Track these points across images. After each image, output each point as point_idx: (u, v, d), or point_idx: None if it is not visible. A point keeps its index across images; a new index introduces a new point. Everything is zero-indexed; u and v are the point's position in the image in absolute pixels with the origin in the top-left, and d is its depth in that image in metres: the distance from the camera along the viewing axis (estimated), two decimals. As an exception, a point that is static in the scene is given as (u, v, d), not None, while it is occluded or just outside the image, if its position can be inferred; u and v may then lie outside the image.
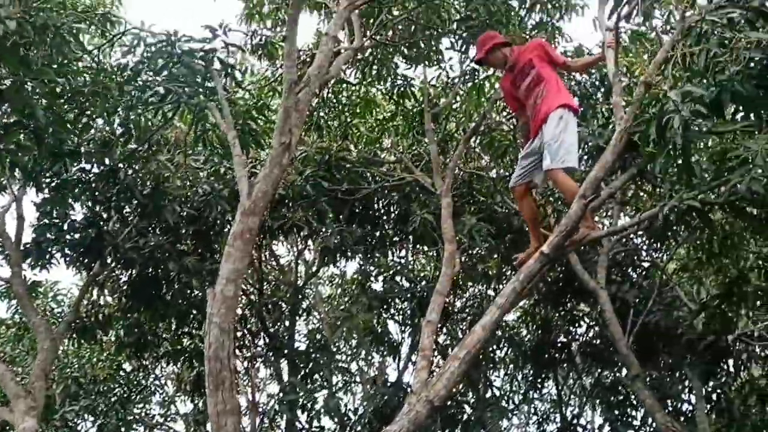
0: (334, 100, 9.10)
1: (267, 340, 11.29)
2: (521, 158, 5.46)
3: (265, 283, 11.50)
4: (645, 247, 10.94)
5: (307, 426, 9.85)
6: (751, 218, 7.21)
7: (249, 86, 9.10)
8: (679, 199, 4.71)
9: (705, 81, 4.35)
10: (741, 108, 4.46)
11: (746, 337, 10.06)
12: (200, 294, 9.24)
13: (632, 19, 5.86)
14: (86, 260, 8.61)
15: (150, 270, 8.97)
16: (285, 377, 10.84)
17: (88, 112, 7.47)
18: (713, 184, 4.84)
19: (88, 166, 8.18)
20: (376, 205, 9.41)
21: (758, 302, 9.35)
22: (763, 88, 4.11)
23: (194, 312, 9.74)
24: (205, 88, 6.71)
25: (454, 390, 6.62)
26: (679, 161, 4.42)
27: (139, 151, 8.28)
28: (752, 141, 4.72)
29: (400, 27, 7.95)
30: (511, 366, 12.34)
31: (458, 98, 8.76)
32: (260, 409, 12.48)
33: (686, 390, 10.49)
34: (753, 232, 7.89)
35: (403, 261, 11.30)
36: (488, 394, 11.92)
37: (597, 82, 7.35)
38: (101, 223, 8.49)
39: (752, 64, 4.18)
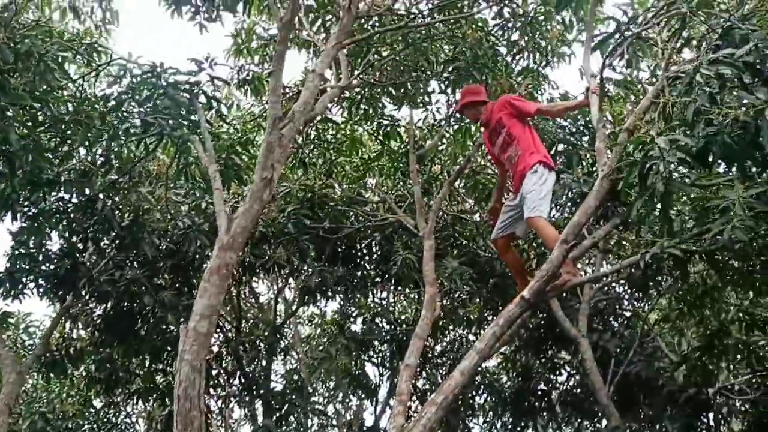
0: (319, 139, 9.06)
1: (242, 380, 11.04)
2: (502, 212, 5.60)
3: (243, 321, 11.29)
4: (627, 296, 10.90)
5: (280, 469, 9.58)
6: (732, 270, 7.26)
7: (233, 121, 9.07)
8: (660, 247, 4.70)
9: (691, 132, 4.37)
10: (723, 160, 4.47)
11: (727, 391, 9.98)
12: (175, 330, 9.03)
13: (617, 67, 5.93)
14: (60, 292, 8.41)
15: (125, 304, 8.78)
16: (259, 418, 10.59)
17: (70, 141, 7.39)
18: (694, 232, 4.84)
19: (66, 196, 8.06)
20: (358, 245, 9.30)
21: (739, 356, 9.30)
22: (749, 142, 4.11)
23: (169, 348, 9.50)
24: (189, 121, 6.65)
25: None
26: (658, 209, 4.42)
27: (119, 182, 8.17)
28: (731, 191, 4.78)
29: (387, 68, 7.97)
30: (491, 413, 12.12)
31: (444, 140, 8.75)
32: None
33: (666, 444, 10.34)
34: (734, 284, 7.89)
35: (383, 302, 11.19)
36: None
37: (582, 128, 7.37)
38: (77, 254, 8.32)
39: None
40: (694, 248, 4.93)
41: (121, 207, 8.35)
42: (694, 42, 5.14)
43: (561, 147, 6.68)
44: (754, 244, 5.57)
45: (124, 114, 6.94)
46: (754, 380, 9.45)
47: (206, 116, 6.76)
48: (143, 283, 8.45)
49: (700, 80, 4.31)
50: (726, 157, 4.36)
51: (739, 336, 8.82)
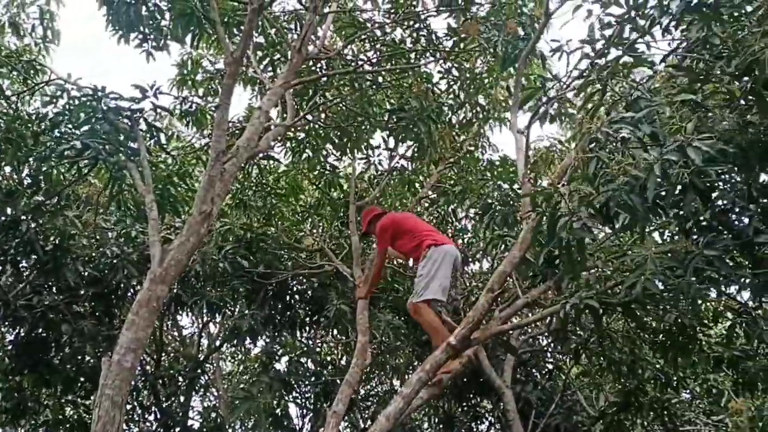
0: (261, 182, 8.97)
1: (158, 415, 10.66)
2: None
3: (163, 354, 10.94)
4: (550, 350, 11.16)
5: None
6: (650, 331, 7.57)
7: (173, 151, 8.93)
8: (579, 297, 4.90)
9: (595, 187, 4.66)
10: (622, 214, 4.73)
11: (640, 448, 10.27)
12: (92, 361, 8.68)
13: (542, 124, 6.19)
14: (-29, 315, 7.98)
15: (40, 331, 8.39)
16: (173, 457, 10.21)
17: (-3, 158, 7.13)
18: (609, 285, 5.07)
19: (-13, 215, 7.71)
20: (292, 289, 9.18)
21: (653, 413, 9.61)
22: (649, 201, 4.38)
23: (82, 380, 9.11)
24: (127, 148, 6.51)
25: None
26: (565, 256, 4.67)
27: (46, 204, 7.89)
28: (643, 247, 5.08)
29: (332, 112, 8.04)
30: (412, 461, 12.05)
31: (385, 192, 8.77)
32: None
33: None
34: (650, 345, 8.20)
35: (310, 343, 11.06)
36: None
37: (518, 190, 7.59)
38: (-7, 275, 7.96)
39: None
40: (610, 300, 5.15)
41: (45, 230, 8.05)
42: (603, 109, 5.43)
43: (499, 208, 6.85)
44: (665, 295, 5.91)
45: (59, 135, 6.74)
46: (665, 438, 9.77)
47: (146, 145, 6.64)
48: (62, 311, 8.11)
49: (604, 138, 4.59)
50: (628, 214, 4.63)
51: (654, 394, 9.14)
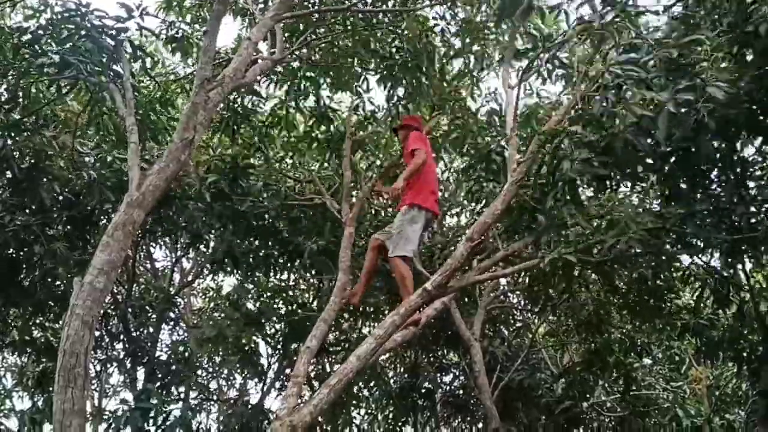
0: (252, 109, 8.72)
1: (126, 345, 10.67)
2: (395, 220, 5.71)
3: (135, 285, 10.90)
4: (520, 307, 11.31)
5: (153, 440, 9.30)
6: (620, 294, 7.69)
7: (157, 77, 8.71)
8: (558, 252, 4.92)
9: (599, 128, 4.65)
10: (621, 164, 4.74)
11: (599, 407, 10.57)
12: (63, 284, 8.61)
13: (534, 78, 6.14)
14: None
15: (11, 251, 8.28)
16: (139, 386, 10.27)
17: (-27, 71, 6.90)
18: (590, 242, 5.11)
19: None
20: (277, 223, 9.00)
21: (615, 375, 9.86)
22: (661, 141, 4.38)
23: (52, 303, 9.04)
24: (110, 69, 6.32)
25: (318, 419, 6.43)
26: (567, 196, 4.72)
27: (23, 122, 7.69)
28: (622, 206, 5.11)
29: (323, 51, 7.84)
30: (374, 405, 12.28)
31: (380, 132, 8.55)
32: (105, 417, 11.75)
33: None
34: (620, 307, 8.34)
35: (283, 284, 11.06)
36: (347, 430, 11.79)
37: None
38: (-36, 191, 7.79)
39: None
40: (588, 258, 5.19)
41: (21, 149, 7.87)
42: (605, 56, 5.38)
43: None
44: (642, 260, 5.99)
45: (40, 50, 6.51)
46: (624, 399, 10.05)
47: (130, 67, 6.45)
48: (35, 232, 7.98)
49: (609, 79, 4.56)
50: (624, 162, 4.64)
51: (618, 357, 9.36)
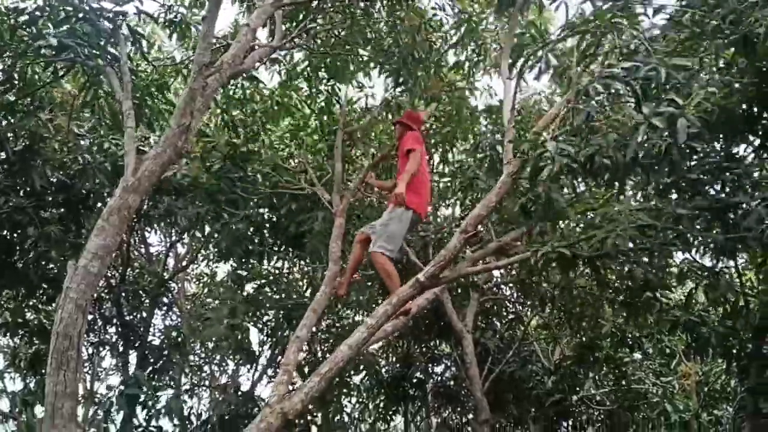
0: (250, 98, 8.69)
1: (119, 329, 10.68)
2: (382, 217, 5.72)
3: (129, 269, 10.89)
4: (512, 300, 11.35)
5: (144, 424, 9.32)
6: (612, 289, 7.70)
7: (155, 62, 8.66)
8: (551, 246, 4.94)
9: (582, 140, 4.66)
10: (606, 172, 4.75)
11: (588, 400, 10.64)
12: (57, 267, 8.60)
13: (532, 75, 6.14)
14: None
15: (5, 233, 8.27)
16: (131, 370, 10.29)
17: (-30, 51, 6.84)
18: (582, 237, 5.14)
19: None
20: (274, 211, 9.00)
21: (605, 369, 9.92)
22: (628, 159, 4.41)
23: (46, 286, 9.04)
24: (107, 52, 6.29)
25: (309, 407, 6.46)
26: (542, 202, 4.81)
27: (18, 103, 7.65)
28: (617, 203, 5.10)
29: (321, 39, 7.81)
30: (365, 394, 12.33)
31: (374, 124, 8.53)
32: (96, 400, 11.78)
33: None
34: (611, 302, 8.37)
35: (276, 272, 11.07)
36: (337, 418, 11.84)
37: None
38: (-42, 172, 7.76)
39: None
40: (580, 252, 5.21)
41: (16, 131, 7.83)
42: (600, 59, 5.37)
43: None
44: (632, 255, 6.01)
45: (37, 32, 6.47)
46: (613, 393, 10.12)
47: (127, 51, 6.41)
48: (29, 214, 7.97)
49: (594, 92, 4.56)
50: (606, 168, 4.66)
51: (609, 351, 9.41)
